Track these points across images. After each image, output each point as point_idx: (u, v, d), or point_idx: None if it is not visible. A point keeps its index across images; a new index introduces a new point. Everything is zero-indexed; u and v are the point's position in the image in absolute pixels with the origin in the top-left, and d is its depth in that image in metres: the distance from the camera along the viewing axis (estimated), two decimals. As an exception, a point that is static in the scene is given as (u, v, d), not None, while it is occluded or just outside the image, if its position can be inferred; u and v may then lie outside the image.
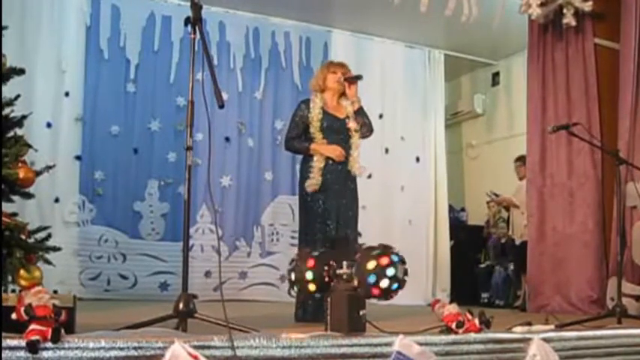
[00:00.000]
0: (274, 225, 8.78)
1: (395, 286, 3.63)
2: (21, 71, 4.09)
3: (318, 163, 5.27)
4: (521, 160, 8.59)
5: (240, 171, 8.66)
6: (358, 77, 5.51)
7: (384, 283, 3.59)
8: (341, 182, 5.32)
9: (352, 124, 5.41)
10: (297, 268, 3.86)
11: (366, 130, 5.55)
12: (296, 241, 8.28)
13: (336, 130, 5.36)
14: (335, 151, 5.29)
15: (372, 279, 3.58)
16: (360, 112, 5.50)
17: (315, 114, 5.34)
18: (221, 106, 3.72)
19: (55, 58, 7.84)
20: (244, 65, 8.82)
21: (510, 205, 9.05)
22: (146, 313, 3.82)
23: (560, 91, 7.59)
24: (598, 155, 7.17)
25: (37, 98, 7.43)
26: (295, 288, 3.89)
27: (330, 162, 5.29)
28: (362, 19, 8.94)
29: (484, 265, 9.96)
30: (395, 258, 3.64)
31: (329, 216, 5.23)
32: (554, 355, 3.63)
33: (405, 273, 3.68)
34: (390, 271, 3.59)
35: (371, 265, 3.59)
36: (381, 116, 9.05)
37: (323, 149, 5.30)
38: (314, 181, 5.23)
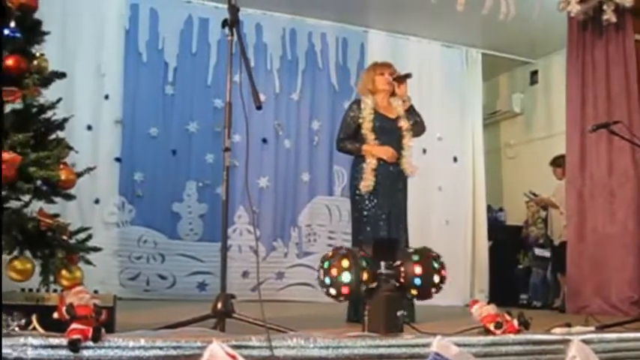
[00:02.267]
0: (311, 226, 8.79)
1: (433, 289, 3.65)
2: (62, 75, 4.15)
3: (370, 164, 5.25)
4: (555, 162, 8.53)
5: (277, 172, 8.69)
6: (407, 75, 5.50)
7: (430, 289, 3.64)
8: (393, 183, 5.32)
9: (404, 124, 5.40)
10: (331, 270, 3.85)
11: (419, 128, 5.54)
12: (333, 242, 8.41)
13: (387, 131, 5.34)
14: (387, 153, 5.27)
15: (417, 281, 3.62)
16: (411, 111, 5.49)
17: (366, 114, 5.33)
18: (258, 107, 3.74)
19: (95, 61, 7.94)
20: (281, 66, 8.85)
21: (549, 206, 8.95)
22: (185, 313, 3.85)
23: (600, 89, 7.50)
24: (639, 154, 7.07)
25: (77, 101, 7.53)
26: (332, 291, 3.86)
27: (382, 162, 5.28)
28: (398, 18, 8.92)
29: (523, 266, 9.89)
30: (434, 263, 3.65)
31: (381, 217, 5.22)
32: (594, 357, 3.59)
33: (443, 277, 3.69)
34: (437, 278, 3.63)
35: (417, 269, 3.61)
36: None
37: (375, 150, 5.28)
38: (367, 182, 5.22)
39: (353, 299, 5.03)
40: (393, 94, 5.50)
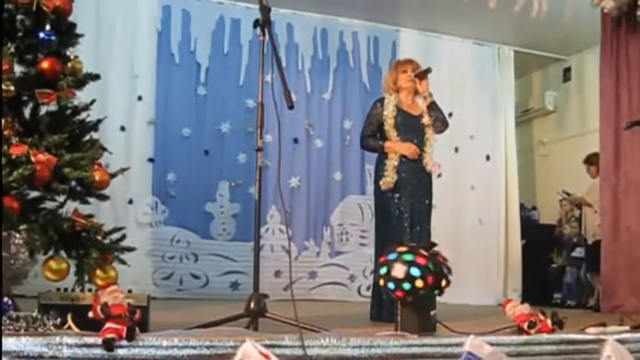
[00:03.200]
0: (343, 225, 8.78)
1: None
2: (96, 77, 4.19)
3: (392, 161, 5.28)
4: (588, 161, 8.45)
5: (308, 172, 8.69)
6: (427, 71, 5.49)
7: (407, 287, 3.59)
8: (415, 179, 5.32)
9: (425, 120, 5.40)
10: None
11: (441, 124, 5.53)
12: (365, 241, 8.41)
13: (410, 127, 5.36)
14: (409, 149, 5.28)
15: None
16: (433, 107, 5.49)
17: (389, 111, 5.36)
18: (291, 107, 3.76)
19: (128, 63, 8.00)
20: (312, 66, 8.85)
21: (583, 205, 8.87)
22: (218, 313, 3.88)
23: (634, 85, 7.41)
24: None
25: (111, 102, 7.59)
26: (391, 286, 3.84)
27: (405, 159, 5.29)
28: (430, 17, 8.88)
29: (556, 265, 9.80)
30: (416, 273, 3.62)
31: (404, 213, 5.23)
32: (629, 357, 3.56)
33: (446, 278, 3.67)
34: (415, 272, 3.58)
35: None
36: (450, 115, 8.90)
37: (397, 147, 5.30)
38: (389, 179, 5.24)
39: (377, 299, 5.07)
40: (417, 91, 5.51)
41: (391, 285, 3.60)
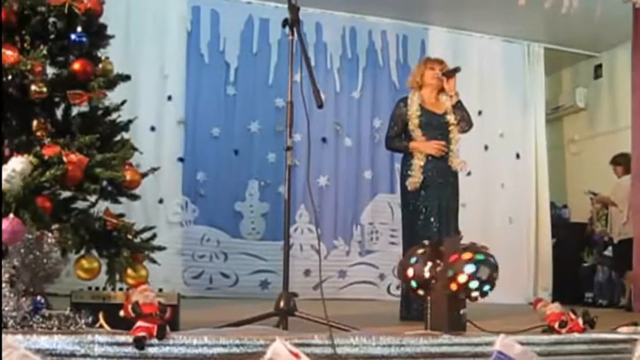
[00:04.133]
0: (374, 224, 8.78)
1: (486, 287, 3.58)
2: (127, 77, 4.23)
3: (418, 161, 5.29)
4: (614, 161, 8.42)
5: (337, 171, 8.69)
6: (456, 70, 5.48)
7: (474, 294, 3.55)
8: (442, 178, 5.33)
9: (450, 119, 5.39)
10: (401, 265, 3.83)
11: (465, 124, 5.52)
12: (396, 240, 8.39)
13: (435, 126, 5.36)
14: (434, 147, 5.28)
15: (461, 296, 3.56)
16: (458, 106, 5.48)
17: (413, 111, 5.37)
18: (320, 106, 3.77)
19: (158, 63, 8.05)
20: (341, 65, 8.85)
21: (609, 204, 8.82)
22: (247, 311, 3.89)
23: (666, 82, 7.33)
24: None
25: (141, 103, 7.63)
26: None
27: (430, 158, 5.29)
28: (459, 15, 8.85)
29: (587, 264, 9.72)
30: (470, 269, 3.57)
31: (431, 213, 5.25)
32: (661, 356, 3.52)
33: (492, 271, 3.62)
34: (474, 284, 3.54)
35: (453, 287, 3.55)
36: (480, 113, 8.88)
37: (422, 146, 5.31)
38: (415, 179, 5.25)
39: (407, 298, 5.06)
40: (442, 90, 5.49)
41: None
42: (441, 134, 5.36)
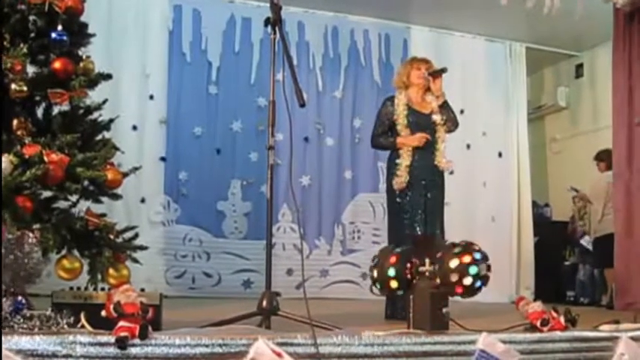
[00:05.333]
0: (355, 223, 8.78)
1: (478, 283, 3.60)
2: (108, 76, 4.22)
3: (404, 160, 5.30)
4: (598, 157, 8.48)
5: (320, 170, 8.69)
6: (443, 70, 5.50)
7: (467, 281, 3.56)
8: (427, 177, 5.35)
9: (437, 119, 5.40)
10: (379, 265, 3.84)
11: (451, 124, 5.54)
12: (377, 239, 8.41)
13: (421, 126, 5.37)
14: (421, 140, 5.29)
15: (454, 277, 3.56)
16: (444, 107, 5.50)
17: (400, 110, 5.37)
18: (302, 105, 3.76)
19: (140, 62, 8.02)
20: (323, 65, 8.84)
21: (585, 201, 8.91)
22: (230, 311, 3.88)
23: (647, 81, 7.38)
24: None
25: (122, 102, 7.59)
26: (377, 285, 3.87)
27: (417, 158, 5.30)
28: (441, 14, 8.86)
29: (569, 263, 9.77)
30: (477, 255, 3.60)
31: (416, 212, 5.25)
32: (643, 354, 3.54)
33: (488, 269, 3.65)
34: (473, 269, 3.56)
35: (453, 263, 3.56)
36: (462, 112, 8.88)
37: (409, 141, 5.31)
38: (402, 179, 5.26)
39: (391, 297, 5.06)
40: (428, 89, 5.50)
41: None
42: (428, 134, 5.36)
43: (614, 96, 7.69)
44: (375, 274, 3.82)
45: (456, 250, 3.62)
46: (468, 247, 3.64)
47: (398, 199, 5.31)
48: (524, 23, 8.97)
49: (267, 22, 4.00)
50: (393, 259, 3.73)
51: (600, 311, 7.37)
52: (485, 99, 9.52)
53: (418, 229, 5.20)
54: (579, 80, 10.37)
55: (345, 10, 8.81)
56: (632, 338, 3.59)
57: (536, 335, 3.45)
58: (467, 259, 3.56)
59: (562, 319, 3.57)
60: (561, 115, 10.69)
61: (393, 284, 3.71)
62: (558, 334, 3.49)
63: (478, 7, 8.17)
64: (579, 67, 10.36)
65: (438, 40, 9.30)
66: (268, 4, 4.01)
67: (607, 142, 8.06)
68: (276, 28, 3.95)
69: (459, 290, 3.61)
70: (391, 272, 3.71)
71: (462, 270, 3.55)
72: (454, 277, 3.55)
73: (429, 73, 5.46)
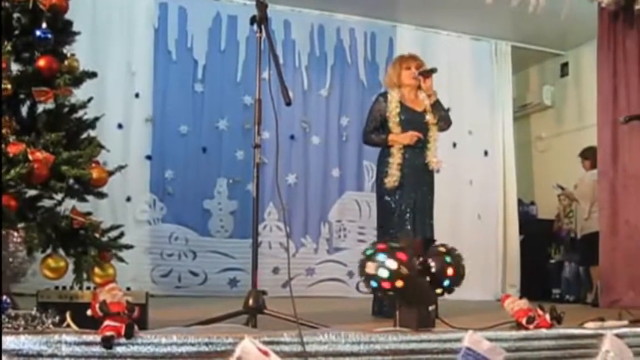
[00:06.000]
0: (342, 221, 8.79)
1: (447, 282, 3.63)
2: (93, 74, 4.19)
3: (395, 159, 5.30)
4: (583, 154, 8.52)
5: (306, 169, 8.69)
6: (432, 70, 5.51)
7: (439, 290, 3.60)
8: (418, 177, 5.36)
9: (429, 118, 5.41)
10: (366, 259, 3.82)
11: (444, 123, 5.56)
12: (363, 237, 8.41)
13: (413, 123, 5.37)
14: (413, 138, 5.30)
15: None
16: (436, 105, 5.51)
17: (392, 107, 5.37)
18: (288, 104, 3.76)
19: (125, 60, 7.99)
20: (309, 63, 8.84)
21: (571, 199, 8.95)
22: (216, 310, 3.88)
23: (631, 80, 7.41)
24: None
25: (108, 100, 7.57)
26: (362, 278, 3.86)
27: (407, 156, 5.31)
28: (427, 12, 8.88)
29: (555, 260, 9.82)
30: (447, 259, 3.62)
31: (406, 209, 5.25)
32: (628, 352, 3.56)
33: (461, 269, 3.66)
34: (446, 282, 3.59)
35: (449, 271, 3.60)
36: (448, 110, 8.91)
37: (400, 138, 5.32)
38: (393, 178, 5.26)
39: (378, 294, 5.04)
40: (420, 87, 5.51)
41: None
42: (420, 132, 5.36)
43: (599, 94, 7.73)
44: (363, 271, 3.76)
45: (447, 258, 3.64)
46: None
47: (387, 198, 5.31)
48: (509, 22, 9.01)
49: (253, 20, 3.99)
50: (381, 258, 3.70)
51: (585, 309, 7.40)
52: (470, 97, 9.54)
53: (409, 227, 5.20)
54: (564, 79, 10.42)
55: (331, 8, 8.81)
56: (617, 335, 3.61)
57: (522, 333, 3.46)
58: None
59: (548, 317, 3.58)
60: (547, 114, 10.73)
61: (386, 285, 3.67)
62: (544, 331, 3.50)
63: (464, 5, 8.19)
64: (564, 65, 10.41)
65: (424, 38, 9.31)
66: (254, 3, 4.00)
67: (592, 141, 8.10)
68: (262, 27, 3.95)
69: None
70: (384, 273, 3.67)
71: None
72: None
73: (419, 73, 5.46)
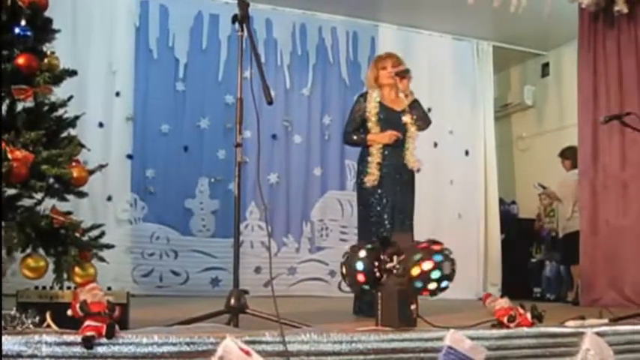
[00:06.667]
0: (324, 220, 8.79)
1: (444, 283, 3.61)
2: (73, 73, 4.16)
3: (375, 158, 5.32)
4: (563, 154, 8.56)
5: (288, 168, 8.68)
6: (406, 71, 5.50)
7: (432, 286, 3.57)
8: (398, 175, 5.36)
9: (407, 118, 5.42)
10: (348, 260, 3.83)
11: (422, 123, 5.56)
12: (346, 236, 8.41)
13: (393, 123, 5.38)
14: (392, 137, 5.31)
15: (418, 284, 3.56)
16: (415, 106, 5.51)
17: (371, 107, 5.38)
18: (269, 103, 3.75)
19: (106, 59, 7.95)
20: (291, 62, 8.83)
21: (554, 199, 9.00)
22: (198, 309, 3.87)
23: (611, 80, 7.47)
24: (652, 145, 7.04)
25: (89, 99, 7.53)
26: (346, 281, 3.87)
27: (387, 155, 5.32)
28: (409, 12, 8.89)
29: (536, 259, 9.87)
30: (438, 258, 3.60)
31: (385, 209, 5.26)
32: (608, 350, 3.58)
33: (453, 265, 3.65)
34: (436, 274, 3.56)
35: (415, 271, 3.55)
36: (429, 110, 8.85)
37: (379, 138, 5.33)
38: (372, 177, 5.28)
39: (359, 293, 5.05)
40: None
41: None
42: (399, 131, 5.37)
43: (580, 94, 7.78)
44: (344, 269, 3.80)
45: (416, 257, 3.60)
46: (427, 253, 3.62)
47: (368, 197, 5.32)
48: (491, 22, 9.05)
49: (234, 19, 3.97)
50: (362, 255, 3.72)
51: (566, 307, 7.44)
52: (452, 97, 9.57)
53: (388, 226, 5.21)
54: (545, 79, 10.48)
55: (313, 7, 8.81)
56: (598, 334, 3.63)
57: (503, 331, 3.47)
58: (427, 265, 3.54)
59: (529, 316, 3.59)
60: (528, 114, 10.79)
61: (360, 278, 3.69)
62: (525, 330, 3.51)
63: (446, 5, 8.22)
64: (545, 66, 10.47)
65: (406, 38, 9.33)
66: (236, 1, 3.99)
67: (573, 140, 8.15)
68: (244, 26, 3.93)
69: (426, 293, 3.61)
70: (359, 266, 3.69)
71: (425, 277, 3.54)
72: (418, 284, 3.55)
73: (395, 73, 5.47)
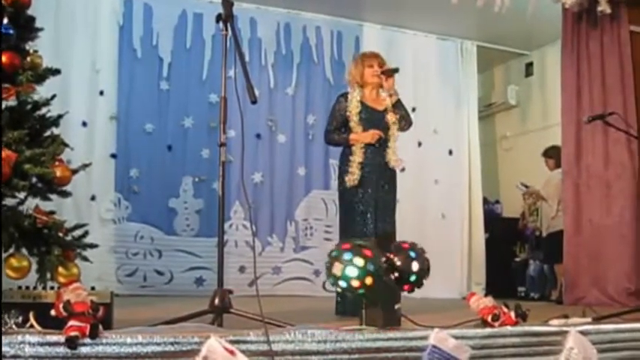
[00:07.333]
0: (308, 220, 8.79)
1: (414, 278, 3.65)
2: (57, 71, 4.15)
3: (356, 157, 5.31)
4: (546, 154, 8.60)
5: (272, 167, 8.68)
6: (395, 70, 5.50)
7: (412, 278, 3.61)
8: (380, 175, 5.36)
9: (390, 117, 5.42)
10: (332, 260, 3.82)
11: (405, 123, 5.56)
12: (330, 236, 8.42)
13: (374, 122, 5.38)
14: (372, 136, 5.31)
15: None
16: (397, 105, 5.51)
17: (353, 107, 5.37)
18: (253, 102, 3.74)
19: (90, 57, 7.91)
20: (276, 61, 8.83)
21: (537, 198, 9.03)
22: (182, 309, 3.85)
23: (595, 80, 7.51)
24: (635, 145, 7.08)
25: (72, 97, 7.50)
26: (331, 281, 3.86)
27: (369, 155, 5.32)
28: (393, 12, 8.90)
29: (520, 258, 9.90)
30: (412, 254, 3.64)
31: (367, 209, 5.26)
32: (591, 348, 3.60)
33: (426, 262, 3.69)
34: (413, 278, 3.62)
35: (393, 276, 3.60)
36: (413, 109, 8.91)
37: (361, 137, 5.33)
38: (354, 176, 5.27)
39: (342, 293, 5.03)
40: (381, 86, 5.52)
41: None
42: (381, 131, 5.37)
43: (563, 94, 7.81)
44: (329, 269, 3.75)
45: (412, 253, 3.64)
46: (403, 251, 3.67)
47: (350, 196, 5.32)
48: (475, 22, 9.08)
49: (218, 18, 3.96)
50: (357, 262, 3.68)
51: (550, 306, 7.48)
52: (436, 97, 9.60)
53: (370, 225, 5.21)
54: (529, 79, 10.53)
55: (297, 7, 8.81)
56: (581, 332, 3.64)
57: (487, 330, 3.48)
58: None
59: (512, 315, 3.60)
60: (511, 113, 10.83)
61: (355, 284, 3.65)
62: (509, 329, 3.52)
63: (430, 5, 8.24)
64: (529, 65, 10.52)
65: (390, 37, 9.35)
66: (220, 1, 3.98)
67: (556, 140, 8.19)
68: (228, 25, 3.93)
69: (406, 288, 3.65)
70: (353, 272, 3.65)
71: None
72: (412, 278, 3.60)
73: (381, 72, 5.47)
